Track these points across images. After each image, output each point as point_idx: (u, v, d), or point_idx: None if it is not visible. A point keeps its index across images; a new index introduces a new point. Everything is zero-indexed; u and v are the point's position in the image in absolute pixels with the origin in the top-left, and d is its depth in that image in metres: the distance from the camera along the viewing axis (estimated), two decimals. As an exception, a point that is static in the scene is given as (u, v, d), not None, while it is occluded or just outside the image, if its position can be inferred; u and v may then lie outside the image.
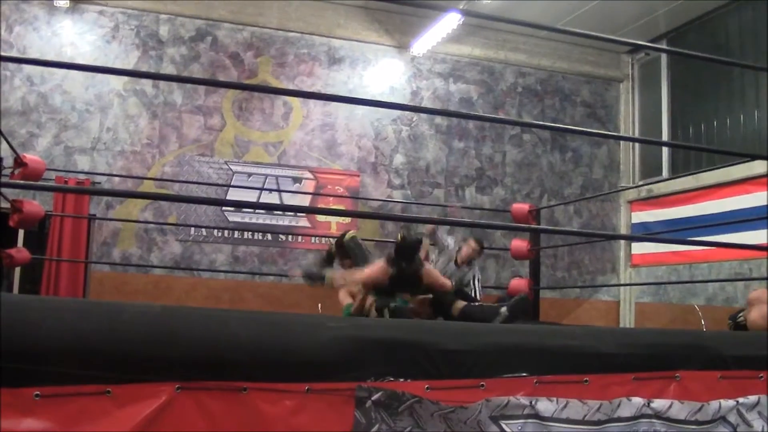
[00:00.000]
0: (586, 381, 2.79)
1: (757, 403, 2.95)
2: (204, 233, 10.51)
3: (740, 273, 10.84)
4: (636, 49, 12.75)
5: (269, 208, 9.66)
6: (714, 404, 2.89)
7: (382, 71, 11.77)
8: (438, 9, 9.59)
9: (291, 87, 11.23)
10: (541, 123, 9.92)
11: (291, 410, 2.38)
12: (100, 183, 10.05)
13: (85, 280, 9.84)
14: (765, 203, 9.49)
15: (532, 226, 7.89)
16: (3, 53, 9.59)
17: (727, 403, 2.91)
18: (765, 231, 8.98)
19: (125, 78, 10.52)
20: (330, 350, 2.53)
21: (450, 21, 10.48)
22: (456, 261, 7.94)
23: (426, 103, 11.90)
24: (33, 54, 9.96)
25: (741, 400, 2.93)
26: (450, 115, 12.30)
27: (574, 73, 12.84)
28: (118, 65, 10.35)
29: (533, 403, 2.63)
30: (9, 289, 9.31)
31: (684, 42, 11.92)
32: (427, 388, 2.53)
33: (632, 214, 12.38)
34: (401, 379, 2.53)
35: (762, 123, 10.63)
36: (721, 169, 9.96)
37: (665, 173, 12.06)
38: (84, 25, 10.44)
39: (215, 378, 2.30)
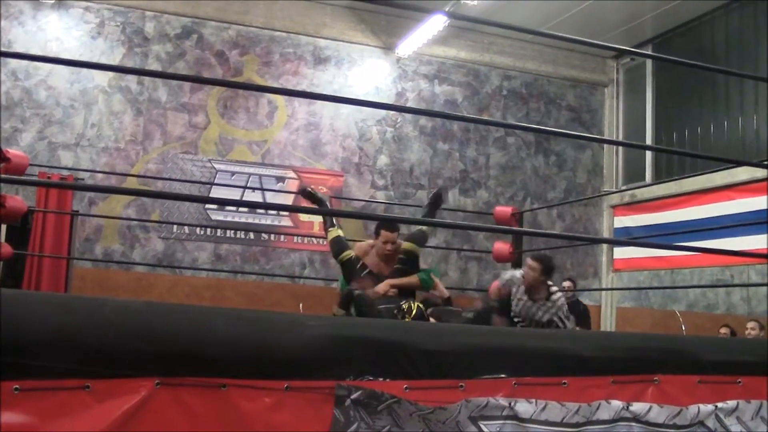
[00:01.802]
0: (565, 383, 2.80)
1: (736, 408, 2.97)
2: (187, 231, 10.49)
3: (721, 279, 10.90)
4: (621, 54, 12.81)
5: (251, 206, 9.65)
6: (693, 408, 2.90)
7: (367, 72, 11.78)
8: (424, 11, 9.65)
9: (276, 86, 11.22)
10: (526, 125, 9.93)
11: (270, 407, 2.38)
12: (83, 179, 10.01)
13: (67, 276, 9.79)
14: (746, 210, 9.58)
15: (514, 228, 7.92)
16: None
17: (706, 407, 2.92)
18: (746, 238, 9.08)
19: (110, 74, 10.49)
20: (310, 348, 2.54)
21: (436, 23, 10.51)
22: (528, 294, 6.48)
23: (411, 105, 11.92)
24: (18, 49, 9.90)
25: (719, 404, 2.95)
26: (435, 116, 12.33)
27: (560, 77, 12.89)
28: (103, 61, 10.31)
29: (512, 404, 2.64)
30: (-10, 284, 9.26)
31: (669, 47, 11.99)
32: (406, 388, 2.54)
33: (615, 218, 12.44)
34: (380, 379, 2.53)
35: (746, 130, 10.71)
36: (704, 176, 10.03)
37: (648, 178, 12.13)
38: (70, 20, 10.41)
39: (195, 374, 2.30)
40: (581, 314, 9.32)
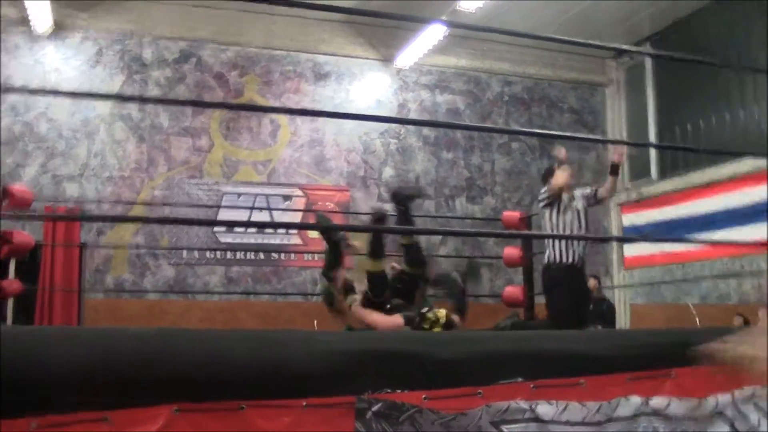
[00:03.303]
0: (582, 383, 2.79)
1: (752, 395, 2.97)
2: (196, 255, 10.50)
3: (732, 269, 10.85)
4: (620, 53, 12.81)
5: (258, 225, 9.66)
6: (711, 399, 2.90)
7: (368, 85, 11.80)
8: (421, 21, 9.67)
9: (278, 105, 11.24)
10: (529, 130, 9.97)
11: (289, 426, 2.37)
12: (90, 210, 10.03)
13: (79, 308, 9.80)
14: (751, 200, 9.56)
15: (523, 232, 7.91)
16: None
17: (724, 397, 2.92)
18: (754, 226, 9.06)
19: (110, 103, 10.52)
20: (325, 364, 2.53)
21: (434, 32, 10.53)
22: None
23: (413, 116, 11.94)
24: (17, 83, 9.94)
25: (736, 392, 2.95)
26: (438, 126, 12.36)
27: (560, 80, 12.90)
28: (103, 89, 10.37)
29: (533, 407, 2.64)
30: (2, 320, 9.25)
31: (667, 44, 11.98)
32: (425, 398, 2.53)
33: (623, 216, 12.42)
34: (398, 390, 2.53)
35: (748, 122, 10.69)
36: (709, 169, 10.02)
37: (654, 175, 12.11)
38: (67, 50, 10.45)
39: (212, 398, 2.30)
40: (605, 312, 9.31)
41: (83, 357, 2.26)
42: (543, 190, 6.53)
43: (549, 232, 6.19)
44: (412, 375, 2.60)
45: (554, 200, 6.40)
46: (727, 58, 10.77)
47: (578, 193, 6.56)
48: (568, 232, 6.18)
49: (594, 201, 6.64)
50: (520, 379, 2.71)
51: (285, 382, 2.43)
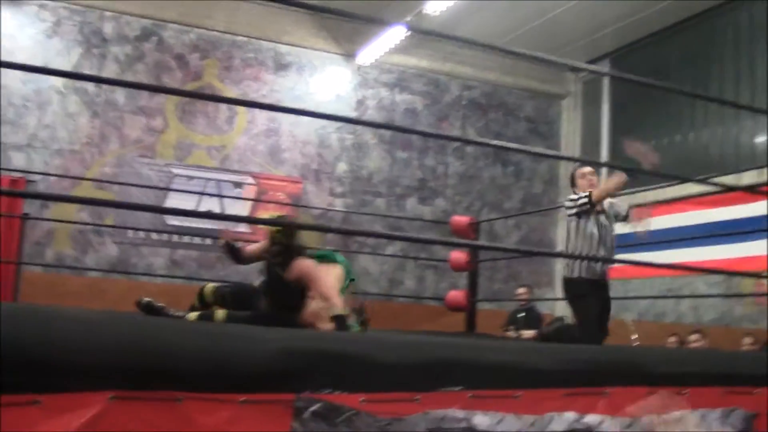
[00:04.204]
0: (518, 396, 2.83)
1: (682, 418, 3.03)
2: (142, 236, 10.38)
3: (671, 289, 11.05)
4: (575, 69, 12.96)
5: (205, 216, 9.51)
6: (644, 419, 2.96)
7: (328, 79, 11.77)
8: (383, 23, 9.66)
9: (236, 91, 11.14)
10: (483, 140, 9.94)
11: (227, 421, 2.37)
12: (35, 182, 9.84)
13: (15, 281, 9.61)
14: (696, 222, 9.77)
15: (471, 242, 7.97)
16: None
17: (655, 418, 2.98)
18: (698, 249, 9.25)
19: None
20: (267, 361, 2.53)
21: (397, 32, 10.54)
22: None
23: (371, 113, 11.93)
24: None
25: (666, 416, 3.01)
26: (394, 129, 12.33)
27: (519, 88, 13.01)
28: (59, 62, 10.16)
29: (470, 416, 2.66)
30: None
31: (627, 62, 12.18)
32: (363, 401, 2.54)
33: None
34: (338, 391, 2.53)
35: (697, 144, 10.93)
36: (658, 189, 10.18)
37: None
38: (24, 18, 10.22)
39: (150, 387, 2.28)
40: (537, 321, 9.41)
41: (17, 336, 2.21)
42: (574, 197, 5.86)
43: (576, 241, 5.74)
44: (352, 377, 2.60)
45: (588, 209, 5.75)
46: (683, 81, 10.98)
47: (607, 204, 5.94)
48: (603, 245, 5.77)
49: (621, 219, 6.01)
50: (458, 388, 2.73)
51: (225, 376, 2.42)
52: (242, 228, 10.70)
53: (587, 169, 5.93)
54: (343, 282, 5.44)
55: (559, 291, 12.31)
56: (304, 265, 5.15)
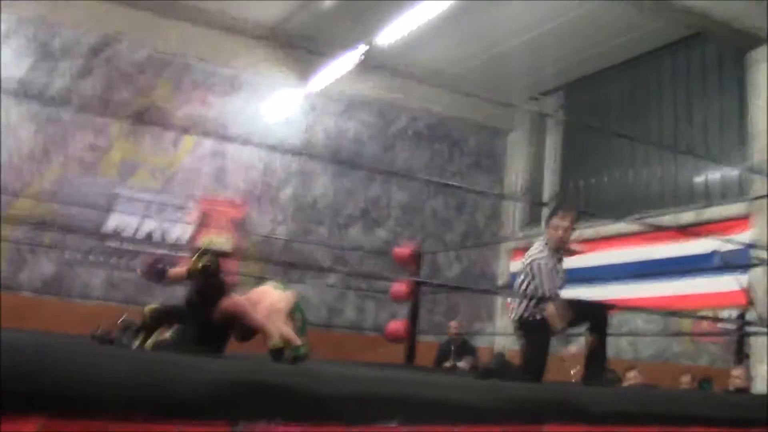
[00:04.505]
0: (456, 432, 2.83)
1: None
2: (79, 256, 10.19)
3: (609, 325, 11.21)
4: (525, 101, 13.15)
5: (146, 242, 9.35)
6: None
7: (277, 103, 11.75)
8: (332, 55, 9.71)
9: (186, 111, 11.03)
10: (427, 178, 10.06)
11: (159, 450, 2.34)
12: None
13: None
14: (635, 259, 9.95)
15: (413, 278, 8.00)
16: None
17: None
18: (635, 285, 9.41)
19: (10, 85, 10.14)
20: (202, 391, 2.50)
21: (347, 60, 10.59)
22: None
23: (319, 138, 11.95)
24: None
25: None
26: (342, 165, 12.37)
27: (466, 121, 13.13)
28: (7, 73, 9.94)
29: (404, 453, 2.66)
30: None
31: (573, 98, 12.45)
32: (298, 433, 2.53)
33: (512, 262, 12.67)
34: (273, 423, 2.52)
35: (636, 182, 11.18)
36: (598, 225, 10.37)
37: (543, 226, 12.42)
38: (-29, 28, 10.04)
39: (81, 416, 2.24)
40: (469, 351, 9.58)
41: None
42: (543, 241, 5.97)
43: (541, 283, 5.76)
44: (289, 408, 2.59)
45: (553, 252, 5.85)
46: (623, 118, 11.28)
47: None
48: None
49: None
50: (394, 423, 2.73)
51: (160, 406, 2.39)
52: (182, 253, 10.59)
53: (565, 223, 5.79)
54: (289, 303, 5.29)
55: (498, 324, 12.40)
56: (231, 303, 5.00)
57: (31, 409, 2.16)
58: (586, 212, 10.96)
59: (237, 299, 5.06)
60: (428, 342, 9.97)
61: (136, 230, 10.40)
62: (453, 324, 9.97)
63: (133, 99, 10.79)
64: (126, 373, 2.45)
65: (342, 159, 11.70)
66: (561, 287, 5.84)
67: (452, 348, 9.56)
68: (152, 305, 5.47)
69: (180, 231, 10.62)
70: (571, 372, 9.58)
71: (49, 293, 9.85)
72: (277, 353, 4.76)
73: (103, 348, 2.71)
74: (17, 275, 9.92)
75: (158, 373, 2.53)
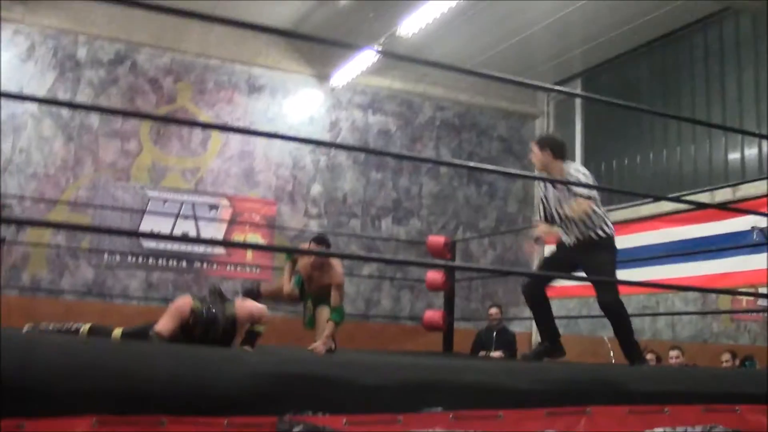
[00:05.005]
0: (500, 416, 2.85)
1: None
2: (118, 258, 10.34)
3: (647, 306, 11.15)
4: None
5: (181, 240, 9.46)
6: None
7: (301, 101, 11.80)
8: (355, 47, 9.72)
9: (210, 114, 11.14)
10: (457, 162, 10.04)
11: (210, 444, 2.38)
12: (10, 206, 9.79)
13: (-8, 305, 9.54)
14: (670, 240, 9.87)
15: (448, 263, 8.01)
16: None
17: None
18: (673, 266, 9.34)
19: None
20: (250, 384, 2.55)
21: (369, 54, 10.60)
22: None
23: (344, 134, 11.97)
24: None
25: (649, 433, 3.04)
26: (368, 152, 12.39)
27: (491, 109, 13.10)
28: (33, 86, 10.13)
29: (452, 437, 2.68)
30: None
31: (598, 82, 12.33)
32: (346, 423, 2.56)
33: (545, 247, 12.63)
34: (320, 414, 2.55)
35: (670, 162, 11.05)
36: (631, 208, 10.29)
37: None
38: (-2, 43, 10.20)
39: (133, 412, 2.29)
40: (509, 341, 9.45)
41: (2, 360, 2.22)
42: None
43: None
44: (334, 399, 2.62)
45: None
46: (653, 99, 11.12)
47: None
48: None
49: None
50: (439, 409, 2.75)
51: (208, 399, 2.44)
52: (218, 250, 10.72)
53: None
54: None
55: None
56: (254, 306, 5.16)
57: (84, 407, 2.22)
58: (622, 192, 10.88)
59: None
60: (465, 330, 9.98)
61: (171, 232, 10.49)
62: (493, 311, 9.88)
63: (159, 105, 10.89)
64: (174, 368, 2.50)
65: (373, 149, 11.65)
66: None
67: (491, 336, 9.48)
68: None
69: (213, 231, 10.73)
70: (610, 354, 9.57)
71: (90, 296, 9.99)
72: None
73: (149, 346, 2.77)
74: (59, 280, 10.09)
75: (204, 368, 2.57)
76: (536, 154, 5.94)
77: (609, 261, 5.71)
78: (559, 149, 5.98)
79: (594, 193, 5.62)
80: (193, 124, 11.53)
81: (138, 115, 9.60)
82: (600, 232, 5.65)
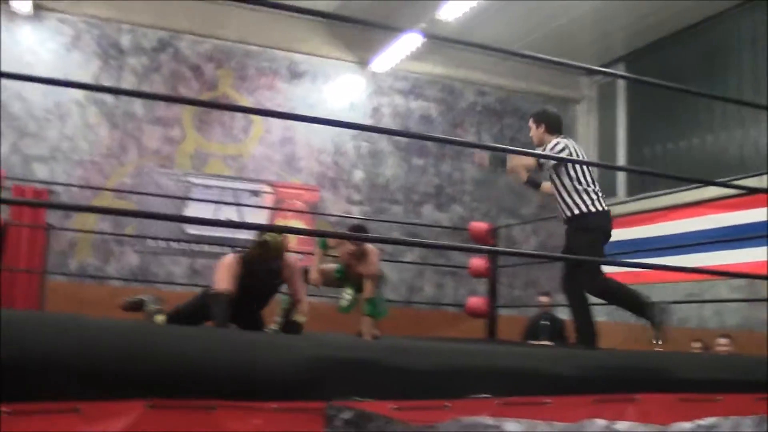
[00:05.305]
0: (549, 403, 2.83)
1: (714, 425, 3.02)
2: (162, 245, 10.44)
3: (693, 294, 11.00)
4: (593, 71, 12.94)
5: (224, 224, 9.50)
6: (674, 427, 2.95)
7: (342, 87, 11.81)
8: (398, 29, 9.70)
9: (251, 101, 11.19)
10: (499, 146, 9.94)
11: (259, 428, 2.40)
12: (58, 192, 9.94)
13: (40, 291, 9.70)
14: (716, 225, 9.72)
15: (491, 247, 7.96)
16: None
17: (686, 425, 2.97)
18: (718, 253, 9.20)
19: (85, 87, 10.41)
20: (298, 369, 2.56)
21: (410, 39, 10.57)
22: None
23: (386, 120, 11.95)
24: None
25: (699, 422, 2.99)
26: (410, 136, 12.31)
27: (533, 93, 12.99)
28: (78, 74, 10.24)
29: (500, 423, 2.67)
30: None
31: (641, 65, 12.15)
32: (393, 408, 2.56)
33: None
34: (368, 399, 2.55)
35: (715, 147, 10.88)
36: (676, 193, 10.14)
37: (621, 195, 12.25)
38: (45, 32, 10.33)
39: (184, 396, 2.31)
40: (558, 329, 9.35)
41: (60, 345, 2.26)
42: None
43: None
44: (382, 384, 2.62)
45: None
46: (697, 83, 10.94)
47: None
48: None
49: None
50: (487, 395, 2.74)
51: (258, 384, 2.45)
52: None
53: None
54: None
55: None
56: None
57: (136, 391, 2.24)
58: (666, 176, 10.74)
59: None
60: (509, 316, 9.94)
61: (214, 217, 10.56)
62: (543, 299, 9.79)
63: (201, 91, 10.96)
64: (223, 353, 2.52)
65: (414, 134, 11.60)
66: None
67: (541, 324, 9.40)
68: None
69: (256, 217, 10.77)
70: (654, 342, 9.47)
71: (136, 282, 10.11)
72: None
73: (198, 330, 2.79)
74: (105, 266, 10.22)
75: (254, 353, 2.59)
76: (532, 129, 5.85)
77: (584, 243, 5.45)
78: (554, 124, 5.83)
79: (574, 169, 5.45)
80: (241, 109, 11.56)
81: (184, 101, 9.64)
82: (576, 210, 5.43)
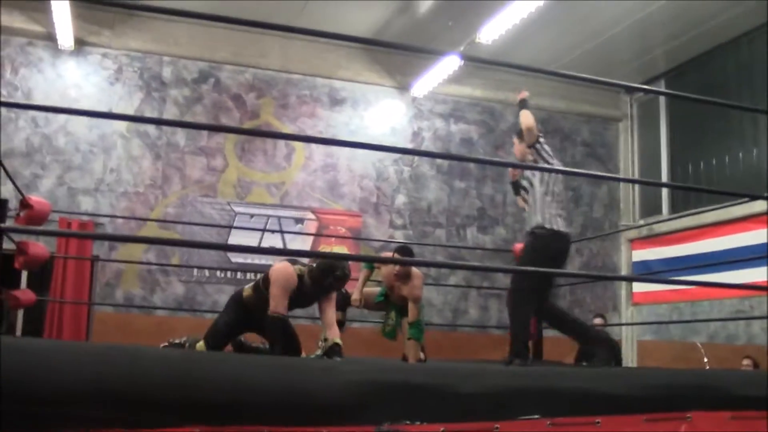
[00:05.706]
0: (598, 423, 2.81)
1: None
2: (207, 274, 10.52)
3: (741, 310, 10.84)
4: (633, 89, 12.86)
5: (269, 252, 9.56)
6: (728, 445, 2.90)
7: (383, 112, 11.86)
8: (437, 53, 9.72)
9: (293, 128, 11.28)
10: (538, 166, 9.90)
11: (309, 454, 2.40)
12: (103, 224, 10.09)
13: (88, 322, 9.83)
14: (764, 241, 9.55)
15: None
16: (7, 95, 9.74)
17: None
18: (765, 269, 9.04)
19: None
20: (346, 394, 2.56)
21: (450, 62, 10.60)
22: None
23: (427, 144, 11.97)
24: (38, 96, 10.07)
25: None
26: (452, 159, 12.34)
27: (574, 113, 12.93)
28: (121, 107, 10.44)
29: (550, 445, 2.65)
30: (10, 331, 9.25)
31: (682, 81, 12.04)
32: (443, 431, 2.55)
33: (633, 252, 12.42)
34: (417, 422, 2.55)
35: (761, 161, 10.72)
36: (722, 209, 10.01)
37: (665, 212, 12.12)
38: (88, 67, 10.54)
39: (235, 422, 2.32)
40: (612, 350, 9.23)
41: (108, 374, 2.28)
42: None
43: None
44: (431, 407, 2.61)
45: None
46: (741, 97, 10.81)
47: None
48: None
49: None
50: (537, 416, 2.72)
51: (307, 410, 2.46)
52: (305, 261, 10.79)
53: None
54: None
55: (624, 316, 12.15)
56: None
57: (187, 418, 2.26)
58: (713, 192, 10.61)
59: None
60: (554, 337, 9.84)
61: (259, 245, 10.63)
62: (598, 320, 9.72)
63: (242, 121, 11.08)
64: (271, 379, 2.53)
65: (456, 156, 11.61)
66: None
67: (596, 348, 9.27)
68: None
69: (299, 244, 10.82)
70: (704, 360, 9.33)
71: (181, 311, 10.20)
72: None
73: (245, 357, 2.80)
74: (151, 296, 10.33)
75: (301, 379, 2.59)
76: (516, 146, 6.27)
77: (524, 255, 5.86)
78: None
79: (548, 179, 5.91)
80: (283, 136, 11.65)
81: (225, 129, 9.77)
82: (533, 225, 5.71)
